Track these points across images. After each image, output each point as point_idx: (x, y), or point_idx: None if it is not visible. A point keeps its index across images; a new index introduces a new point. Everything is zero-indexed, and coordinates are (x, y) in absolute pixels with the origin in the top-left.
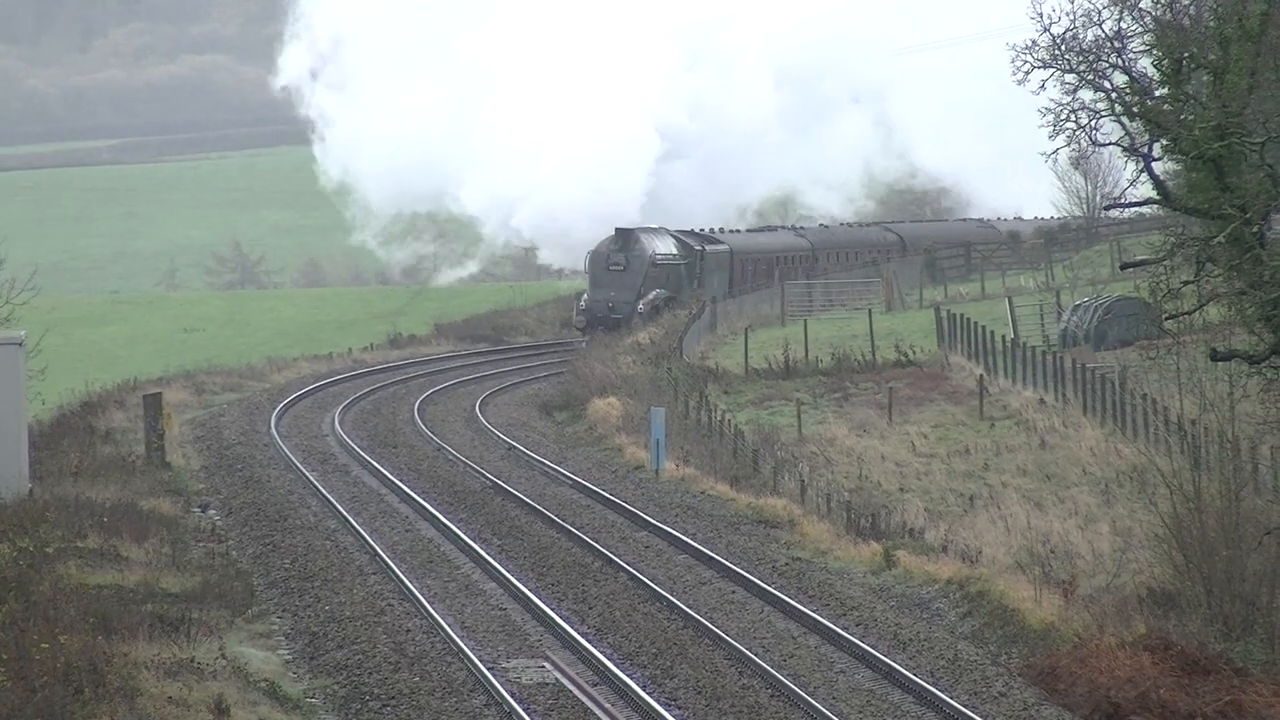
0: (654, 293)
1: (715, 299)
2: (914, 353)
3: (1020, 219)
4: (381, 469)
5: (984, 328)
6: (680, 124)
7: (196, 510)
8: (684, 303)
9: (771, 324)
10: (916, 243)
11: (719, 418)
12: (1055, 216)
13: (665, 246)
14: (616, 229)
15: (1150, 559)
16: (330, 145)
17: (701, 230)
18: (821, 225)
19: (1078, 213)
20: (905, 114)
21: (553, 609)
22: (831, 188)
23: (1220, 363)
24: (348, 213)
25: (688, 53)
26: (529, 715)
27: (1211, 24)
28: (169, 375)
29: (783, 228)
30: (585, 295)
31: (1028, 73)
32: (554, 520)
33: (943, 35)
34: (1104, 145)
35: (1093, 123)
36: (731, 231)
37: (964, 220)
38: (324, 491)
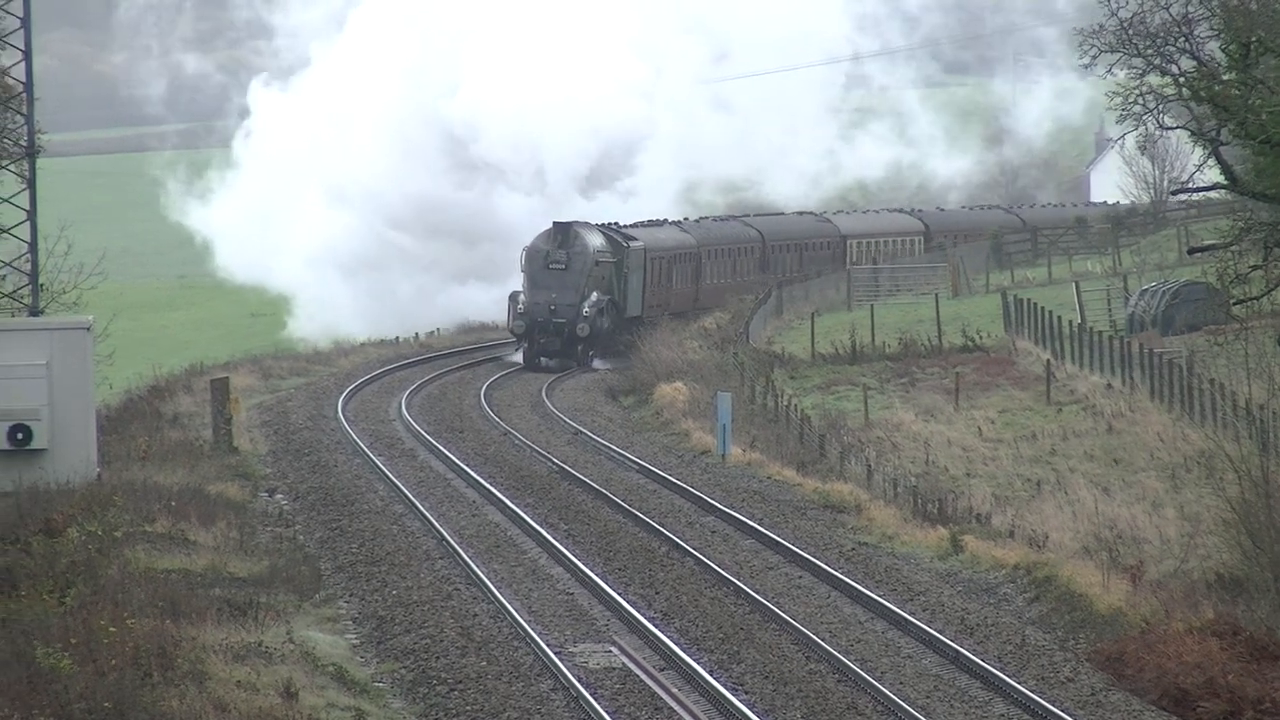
0: (595, 294)
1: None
2: (980, 338)
3: (845, 212)
4: (448, 454)
5: (1051, 312)
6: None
7: (264, 495)
8: (619, 307)
9: (838, 309)
10: (774, 238)
11: (785, 402)
12: (1122, 201)
13: (601, 242)
14: (555, 223)
15: (1218, 544)
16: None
17: (610, 225)
18: (696, 219)
19: (1145, 198)
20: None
21: (619, 594)
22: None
23: None
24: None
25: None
26: (596, 700)
27: (1279, 7)
28: (236, 360)
29: (669, 222)
30: (522, 296)
31: (1094, 57)
32: (620, 505)
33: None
34: (1171, 129)
35: (1160, 107)
36: (631, 226)
37: (800, 214)
38: (391, 476)
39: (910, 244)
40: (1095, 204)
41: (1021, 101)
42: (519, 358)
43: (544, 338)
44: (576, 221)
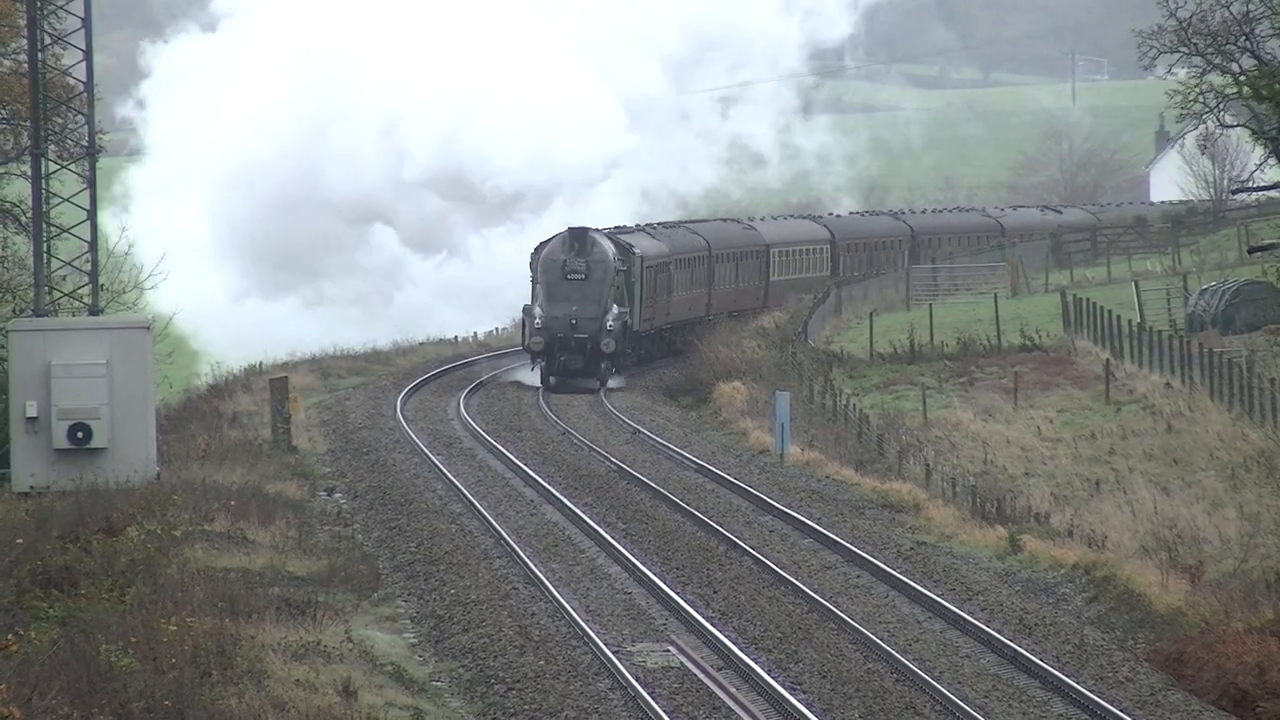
0: (615, 307)
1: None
2: (1040, 337)
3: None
4: (506, 453)
5: (1110, 312)
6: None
7: (322, 494)
8: (631, 319)
9: (896, 308)
10: (718, 246)
11: (844, 402)
12: (1182, 200)
13: (615, 250)
14: (570, 228)
15: (1278, 544)
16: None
17: (606, 229)
18: (647, 224)
19: (1205, 196)
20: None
21: (677, 593)
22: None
23: None
24: None
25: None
26: (654, 699)
27: None
28: (295, 359)
29: (637, 228)
30: (538, 310)
31: (1154, 57)
32: (678, 504)
33: None
34: (1231, 128)
35: (1220, 106)
36: (618, 230)
37: (725, 221)
38: (449, 475)
39: (820, 252)
40: (998, 209)
41: (1065, 101)
42: (533, 377)
43: (565, 354)
44: (590, 227)
